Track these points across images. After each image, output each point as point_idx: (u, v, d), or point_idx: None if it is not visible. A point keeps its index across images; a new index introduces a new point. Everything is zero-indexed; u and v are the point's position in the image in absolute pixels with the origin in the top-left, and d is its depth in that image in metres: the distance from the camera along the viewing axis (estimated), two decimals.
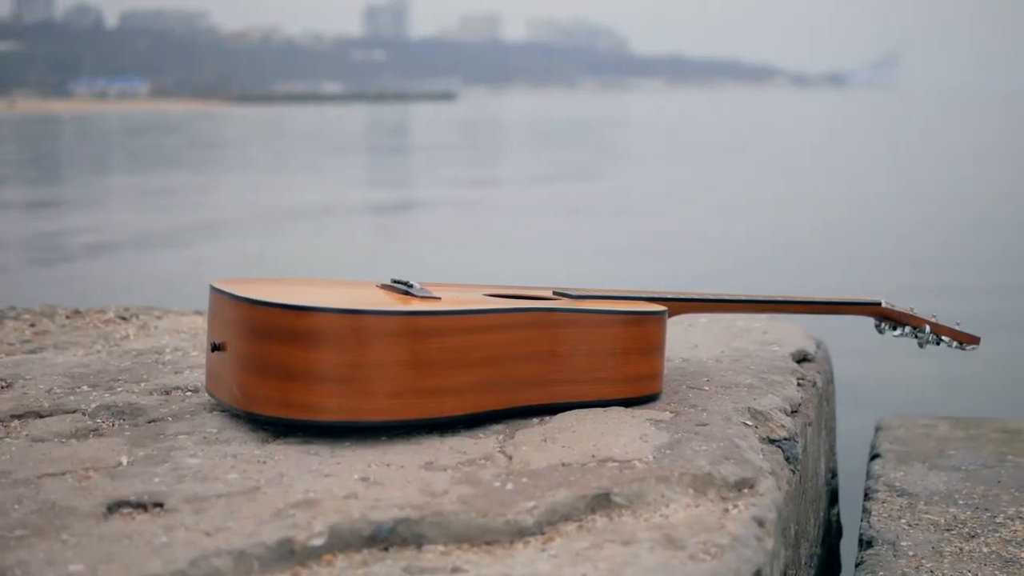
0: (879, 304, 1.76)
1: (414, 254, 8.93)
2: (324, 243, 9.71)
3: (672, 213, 11.38)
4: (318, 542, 1.06)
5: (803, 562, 1.53)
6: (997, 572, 1.45)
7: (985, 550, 1.52)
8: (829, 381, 1.96)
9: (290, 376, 1.28)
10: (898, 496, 1.74)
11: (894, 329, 1.78)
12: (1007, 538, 1.55)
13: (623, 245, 9.08)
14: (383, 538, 1.08)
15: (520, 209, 12.44)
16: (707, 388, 1.57)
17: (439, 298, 1.41)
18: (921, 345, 1.78)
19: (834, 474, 2.07)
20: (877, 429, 2.14)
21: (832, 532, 1.99)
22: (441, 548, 1.08)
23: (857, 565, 1.55)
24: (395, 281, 1.49)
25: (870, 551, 1.56)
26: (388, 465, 1.24)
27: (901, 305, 1.78)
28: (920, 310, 1.79)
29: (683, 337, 1.93)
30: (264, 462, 1.24)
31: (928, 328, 1.76)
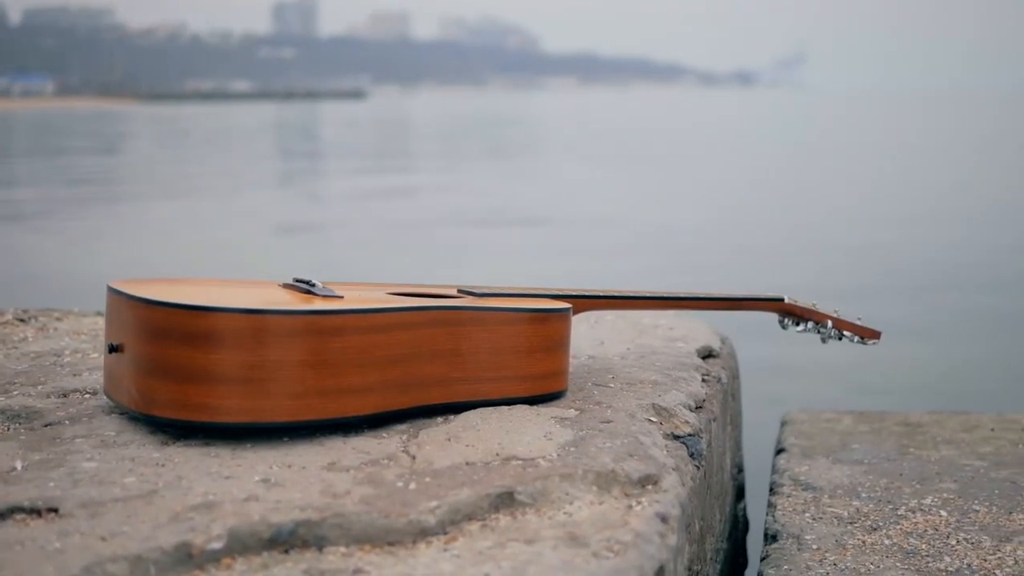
0: (782, 300, 1.77)
1: (320, 254, 8.86)
2: (227, 243, 9.61)
3: (584, 214, 11.42)
4: (217, 545, 1.04)
5: (708, 557, 1.53)
6: (898, 564, 1.46)
7: (887, 542, 1.54)
8: (734, 377, 1.97)
9: (189, 377, 1.26)
10: (803, 490, 1.76)
11: (797, 324, 1.79)
12: (908, 530, 1.57)
13: (533, 246, 9.09)
14: (283, 540, 1.06)
15: (429, 209, 12.41)
16: (612, 385, 1.57)
17: (341, 297, 1.40)
18: (824, 340, 1.80)
19: (740, 469, 2.08)
20: (783, 424, 2.16)
21: (739, 527, 2.00)
22: (343, 549, 1.07)
23: (762, 559, 1.56)
24: (297, 280, 1.47)
25: (775, 545, 1.57)
26: (290, 466, 1.22)
27: (804, 301, 1.80)
28: (822, 305, 1.80)
29: (590, 334, 1.93)
30: (163, 465, 1.22)
31: (830, 323, 1.77)
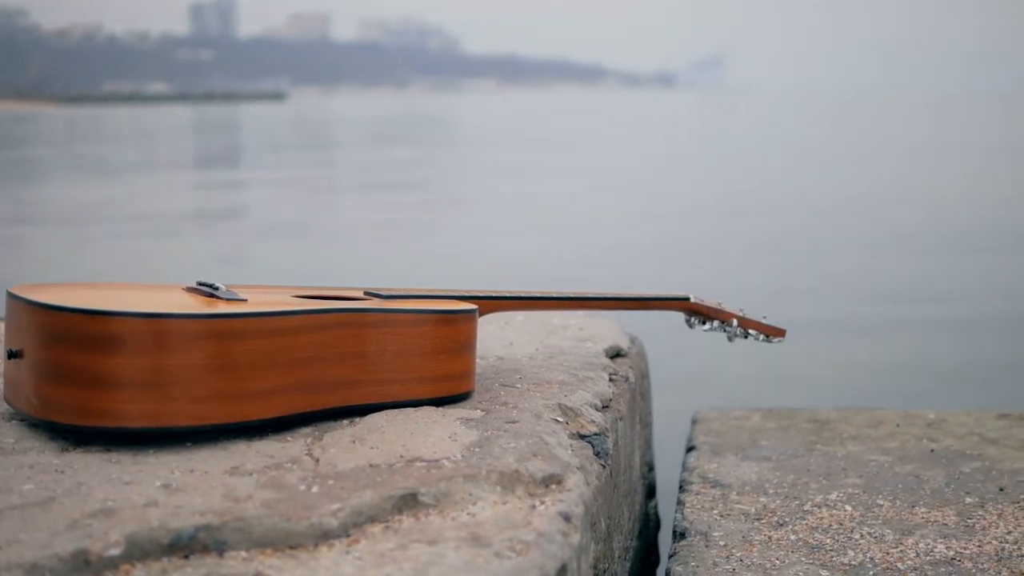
0: (688, 299, 1.79)
1: (233, 256, 8.78)
2: (137, 247, 9.49)
3: (502, 216, 11.43)
4: (115, 552, 1.03)
5: (617, 555, 1.54)
6: (803, 559, 1.48)
7: (793, 537, 1.55)
8: (643, 376, 1.98)
9: (89, 383, 1.24)
10: (711, 487, 1.77)
11: (703, 324, 1.81)
12: (813, 525, 1.59)
13: (448, 247, 9.08)
14: (183, 545, 1.05)
15: (346, 212, 12.36)
16: (519, 386, 1.57)
17: (245, 300, 1.39)
18: (730, 339, 1.81)
19: (651, 467, 2.09)
20: (693, 422, 2.18)
21: (650, 525, 2.02)
22: (243, 554, 1.06)
23: (670, 556, 1.57)
24: (201, 284, 1.46)
25: (683, 542, 1.58)
26: (192, 471, 1.21)
27: (709, 300, 1.81)
28: (728, 304, 1.82)
29: (499, 335, 1.94)
30: (62, 472, 1.21)
31: (735, 322, 1.79)
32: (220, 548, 1.06)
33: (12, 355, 1.33)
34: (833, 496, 1.71)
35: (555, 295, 1.70)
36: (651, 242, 9.05)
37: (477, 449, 1.28)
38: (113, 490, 1.15)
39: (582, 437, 1.42)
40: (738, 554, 1.51)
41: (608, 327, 2.01)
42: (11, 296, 1.35)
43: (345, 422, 1.38)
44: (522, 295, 1.68)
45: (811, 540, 1.54)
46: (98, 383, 1.24)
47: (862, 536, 1.55)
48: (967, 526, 1.57)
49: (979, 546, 1.50)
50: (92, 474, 1.20)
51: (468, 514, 1.15)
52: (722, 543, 1.55)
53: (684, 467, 1.92)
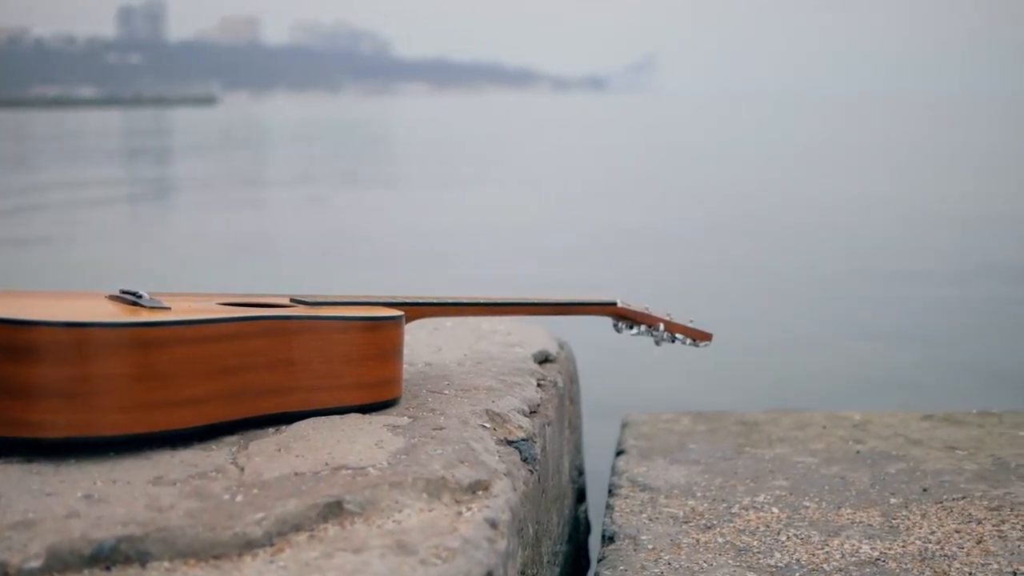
0: (615, 304, 1.79)
1: (157, 265, 8.70)
2: (62, 255, 9.38)
3: (437, 222, 11.42)
4: (35, 564, 1.02)
5: (546, 560, 1.54)
6: (730, 561, 1.49)
7: (720, 540, 1.56)
8: (572, 380, 1.99)
9: (10, 393, 1.22)
10: (640, 491, 1.78)
11: (631, 328, 1.82)
12: (741, 528, 1.60)
13: (377, 255, 9.05)
14: (105, 557, 1.04)
15: (274, 218, 12.30)
16: (447, 392, 1.57)
17: (169, 308, 1.37)
18: (657, 343, 1.82)
19: (581, 472, 2.10)
20: (623, 425, 2.19)
21: (580, 529, 2.02)
22: (167, 564, 1.05)
23: (599, 560, 1.57)
24: (124, 292, 1.45)
25: (612, 546, 1.58)
26: (115, 481, 1.20)
27: (636, 304, 1.82)
28: (655, 309, 1.83)
29: (428, 341, 1.93)
30: None
31: (662, 326, 1.80)
32: (143, 559, 1.05)
33: None
34: (760, 498, 1.72)
35: (481, 301, 1.70)
36: (588, 249, 9.07)
37: (403, 456, 1.28)
38: (34, 501, 1.14)
39: (509, 443, 1.42)
40: (666, 557, 1.52)
41: (537, 332, 2.02)
42: None
43: (271, 430, 1.37)
44: (448, 301, 1.67)
45: (738, 542, 1.55)
46: (19, 393, 1.22)
47: (788, 538, 1.56)
48: (891, 527, 1.59)
49: (903, 546, 1.52)
50: (12, 485, 1.18)
51: (394, 522, 1.14)
52: (650, 546, 1.56)
53: (614, 471, 1.92)
